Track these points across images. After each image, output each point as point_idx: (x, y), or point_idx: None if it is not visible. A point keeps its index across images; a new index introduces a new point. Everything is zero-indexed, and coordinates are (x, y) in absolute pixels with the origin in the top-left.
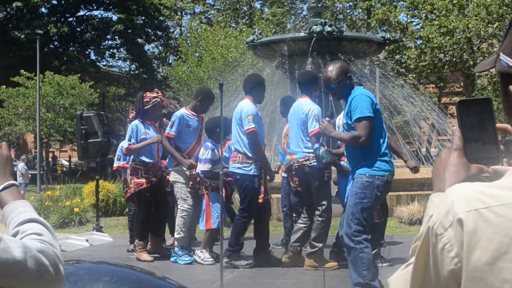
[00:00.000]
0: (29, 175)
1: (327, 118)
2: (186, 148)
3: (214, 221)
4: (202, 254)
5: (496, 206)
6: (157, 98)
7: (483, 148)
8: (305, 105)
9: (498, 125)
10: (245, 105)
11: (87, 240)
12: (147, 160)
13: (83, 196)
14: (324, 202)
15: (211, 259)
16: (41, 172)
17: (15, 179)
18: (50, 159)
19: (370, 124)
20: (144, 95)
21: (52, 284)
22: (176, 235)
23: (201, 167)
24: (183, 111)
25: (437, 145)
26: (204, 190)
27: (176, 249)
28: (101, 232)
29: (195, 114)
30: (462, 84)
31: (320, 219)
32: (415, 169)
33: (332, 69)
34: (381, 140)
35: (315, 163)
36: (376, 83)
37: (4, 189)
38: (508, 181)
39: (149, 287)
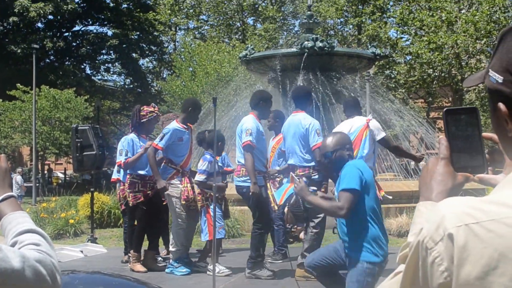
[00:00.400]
0: (25, 187)
1: (304, 179)
2: (179, 161)
3: (217, 232)
4: (216, 268)
5: (486, 221)
6: (153, 113)
7: (469, 157)
8: (304, 119)
9: (484, 134)
10: (247, 121)
11: (81, 251)
12: (143, 173)
13: (78, 208)
14: (320, 215)
15: (227, 270)
16: (37, 184)
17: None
18: (45, 172)
19: (355, 198)
20: (142, 108)
21: None
22: (171, 248)
23: (197, 177)
24: (175, 125)
25: (425, 159)
26: (204, 202)
27: (171, 260)
28: (96, 244)
29: (185, 126)
30: (450, 99)
31: (314, 230)
32: (421, 158)
33: (331, 139)
34: (377, 220)
35: (315, 176)
36: (367, 97)
37: (2, 200)
38: (499, 196)
39: None
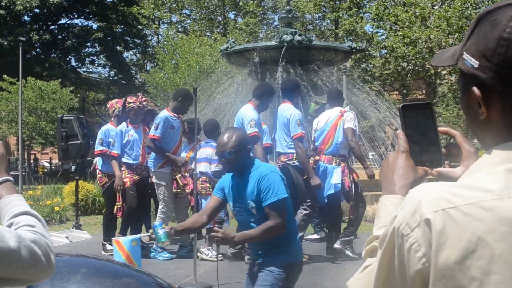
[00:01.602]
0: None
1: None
2: (170, 149)
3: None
4: (209, 252)
5: (463, 205)
6: (131, 104)
7: (426, 151)
8: (287, 110)
9: (440, 128)
10: (248, 111)
11: (67, 237)
12: (130, 161)
13: (63, 196)
14: (309, 200)
15: (220, 255)
16: (23, 173)
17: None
18: (32, 161)
19: (286, 206)
20: (127, 98)
21: (44, 273)
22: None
23: (213, 168)
24: (166, 113)
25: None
26: (211, 190)
27: (154, 245)
28: (81, 230)
29: (176, 115)
30: (424, 91)
31: (304, 212)
32: (371, 177)
33: (228, 138)
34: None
35: (297, 163)
36: (343, 90)
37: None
38: (472, 180)
39: (126, 278)
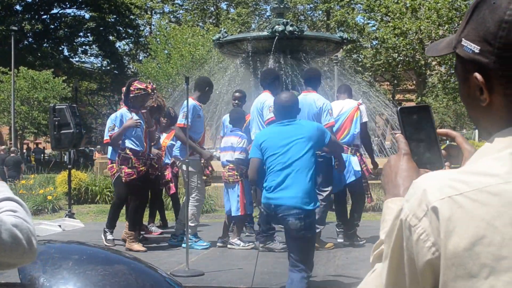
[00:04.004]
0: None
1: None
2: (197, 138)
3: (248, 207)
4: (240, 242)
5: (469, 191)
6: (140, 90)
7: (426, 154)
8: (318, 100)
9: (439, 130)
10: (267, 98)
11: (59, 226)
12: (136, 148)
13: (56, 185)
14: (327, 189)
15: (251, 243)
16: None
17: None
18: (24, 150)
19: (251, 164)
20: (132, 83)
21: (26, 256)
22: (190, 223)
23: (237, 155)
24: (193, 102)
25: (391, 139)
26: (239, 177)
27: (189, 235)
28: (73, 219)
29: (201, 104)
30: (414, 82)
31: (323, 203)
32: (375, 168)
33: None
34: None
35: (324, 153)
36: (335, 80)
37: None
38: (476, 166)
39: (117, 265)
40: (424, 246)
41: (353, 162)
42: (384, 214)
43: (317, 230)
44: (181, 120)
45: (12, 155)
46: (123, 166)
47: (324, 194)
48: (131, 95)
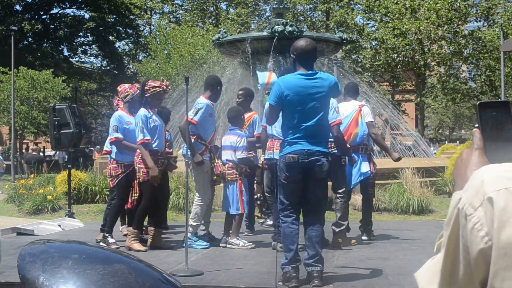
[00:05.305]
0: (4, 165)
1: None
2: (207, 136)
3: (245, 206)
4: (239, 241)
5: None
6: (156, 88)
7: (501, 149)
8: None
9: None
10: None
11: (59, 225)
12: (157, 148)
13: (56, 185)
14: (343, 188)
15: (250, 243)
16: (15, 162)
17: None
18: (24, 150)
19: (271, 111)
20: (147, 82)
21: None
22: (191, 222)
23: (239, 155)
24: (206, 100)
25: (390, 139)
26: (238, 176)
27: (189, 234)
28: (73, 218)
29: (212, 103)
30: (413, 82)
31: (342, 200)
32: (398, 159)
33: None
34: (291, 128)
35: (335, 150)
36: None
37: None
38: None
39: (117, 264)
40: (478, 235)
41: (363, 162)
42: (451, 206)
43: (342, 227)
44: (191, 115)
45: (33, 153)
46: (142, 166)
47: (341, 191)
48: (147, 95)
